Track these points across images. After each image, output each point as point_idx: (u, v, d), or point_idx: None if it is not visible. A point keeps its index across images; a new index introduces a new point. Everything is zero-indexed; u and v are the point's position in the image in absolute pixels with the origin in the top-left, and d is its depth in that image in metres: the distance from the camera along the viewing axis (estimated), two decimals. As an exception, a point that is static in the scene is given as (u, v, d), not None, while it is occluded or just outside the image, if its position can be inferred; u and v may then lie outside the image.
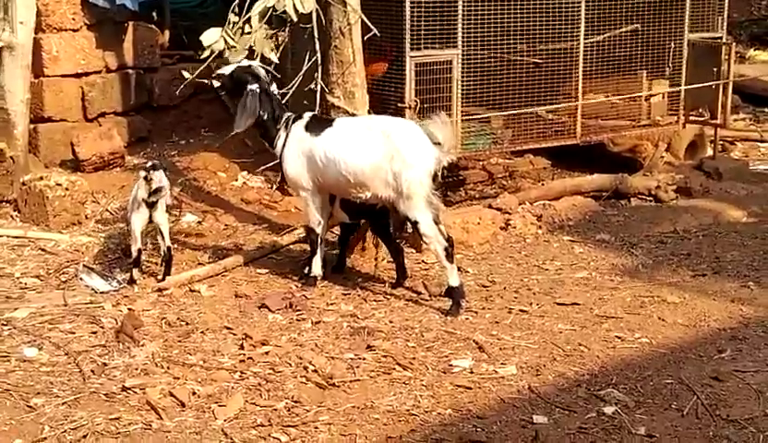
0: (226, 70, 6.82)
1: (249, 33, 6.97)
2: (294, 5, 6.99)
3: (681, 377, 5.44)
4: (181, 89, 8.36)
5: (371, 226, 7.12)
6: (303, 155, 6.67)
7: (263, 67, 6.88)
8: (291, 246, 7.67)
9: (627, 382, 5.41)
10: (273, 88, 6.88)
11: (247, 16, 7.08)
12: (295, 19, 7.10)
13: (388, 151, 6.36)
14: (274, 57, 7.25)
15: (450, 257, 6.40)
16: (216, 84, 6.88)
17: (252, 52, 7.06)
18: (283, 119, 6.77)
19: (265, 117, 6.75)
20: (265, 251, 7.54)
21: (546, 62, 9.14)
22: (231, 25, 7.09)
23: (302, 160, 6.68)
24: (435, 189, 6.41)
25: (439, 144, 6.34)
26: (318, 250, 6.87)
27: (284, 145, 6.75)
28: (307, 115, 6.80)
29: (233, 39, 6.98)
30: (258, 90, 6.68)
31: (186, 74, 7.38)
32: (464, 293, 6.50)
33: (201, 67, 7.09)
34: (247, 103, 6.66)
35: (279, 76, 7.23)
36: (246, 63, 6.85)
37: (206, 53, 7.03)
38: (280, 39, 7.97)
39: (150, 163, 6.93)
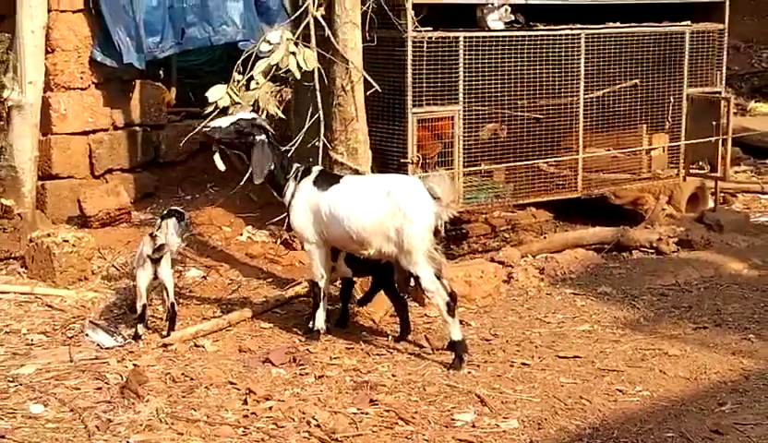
0: (224, 122, 6.87)
1: (254, 89, 7.11)
2: (297, 63, 7.14)
3: (682, 431, 5.47)
4: (186, 142, 8.55)
5: (376, 281, 7.18)
6: (309, 209, 6.78)
7: (264, 119, 7.00)
8: (295, 301, 7.74)
9: (628, 436, 5.43)
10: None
11: (250, 74, 7.24)
12: (299, 77, 7.25)
13: (389, 208, 6.45)
14: (279, 113, 7.40)
15: (451, 311, 6.45)
16: (216, 136, 6.88)
17: (257, 107, 7.20)
18: (293, 170, 6.88)
19: (273, 168, 6.86)
20: (269, 305, 7.60)
21: (546, 117, 9.26)
22: (236, 82, 7.25)
23: (308, 213, 6.79)
24: (437, 244, 6.48)
25: (439, 199, 6.42)
26: (322, 304, 6.93)
27: (293, 196, 6.85)
28: (316, 169, 6.92)
29: (237, 95, 7.13)
30: (266, 141, 6.79)
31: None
32: (467, 347, 6.54)
33: (206, 122, 7.22)
34: (262, 154, 6.76)
35: (283, 131, 7.37)
36: (249, 115, 6.93)
37: (210, 108, 7.17)
38: (283, 95, 8.14)
39: (166, 211, 7.08)
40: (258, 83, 7.27)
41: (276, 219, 8.40)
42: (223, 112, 7.30)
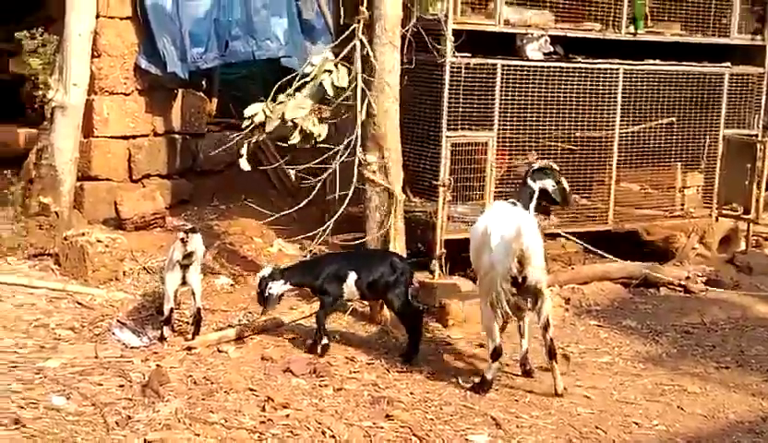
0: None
1: (280, 103, 7.40)
2: (331, 81, 7.41)
3: (695, 467, 5.47)
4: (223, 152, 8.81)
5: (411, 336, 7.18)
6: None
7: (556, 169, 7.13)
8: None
9: (640, 467, 5.44)
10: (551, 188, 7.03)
11: (293, 90, 7.47)
12: (332, 94, 7.44)
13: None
14: (317, 130, 7.60)
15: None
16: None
17: (284, 120, 7.47)
18: None
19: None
20: (294, 317, 7.68)
21: (581, 148, 9.30)
22: (277, 100, 7.55)
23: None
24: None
25: None
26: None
27: None
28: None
29: (271, 110, 7.43)
30: (538, 188, 6.96)
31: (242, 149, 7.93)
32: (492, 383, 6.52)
33: (242, 134, 7.42)
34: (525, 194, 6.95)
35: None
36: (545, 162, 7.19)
37: (246, 123, 7.52)
38: (323, 114, 8.33)
39: (189, 227, 7.18)
40: (300, 103, 7.57)
41: (310, 234, 8.45)
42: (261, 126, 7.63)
